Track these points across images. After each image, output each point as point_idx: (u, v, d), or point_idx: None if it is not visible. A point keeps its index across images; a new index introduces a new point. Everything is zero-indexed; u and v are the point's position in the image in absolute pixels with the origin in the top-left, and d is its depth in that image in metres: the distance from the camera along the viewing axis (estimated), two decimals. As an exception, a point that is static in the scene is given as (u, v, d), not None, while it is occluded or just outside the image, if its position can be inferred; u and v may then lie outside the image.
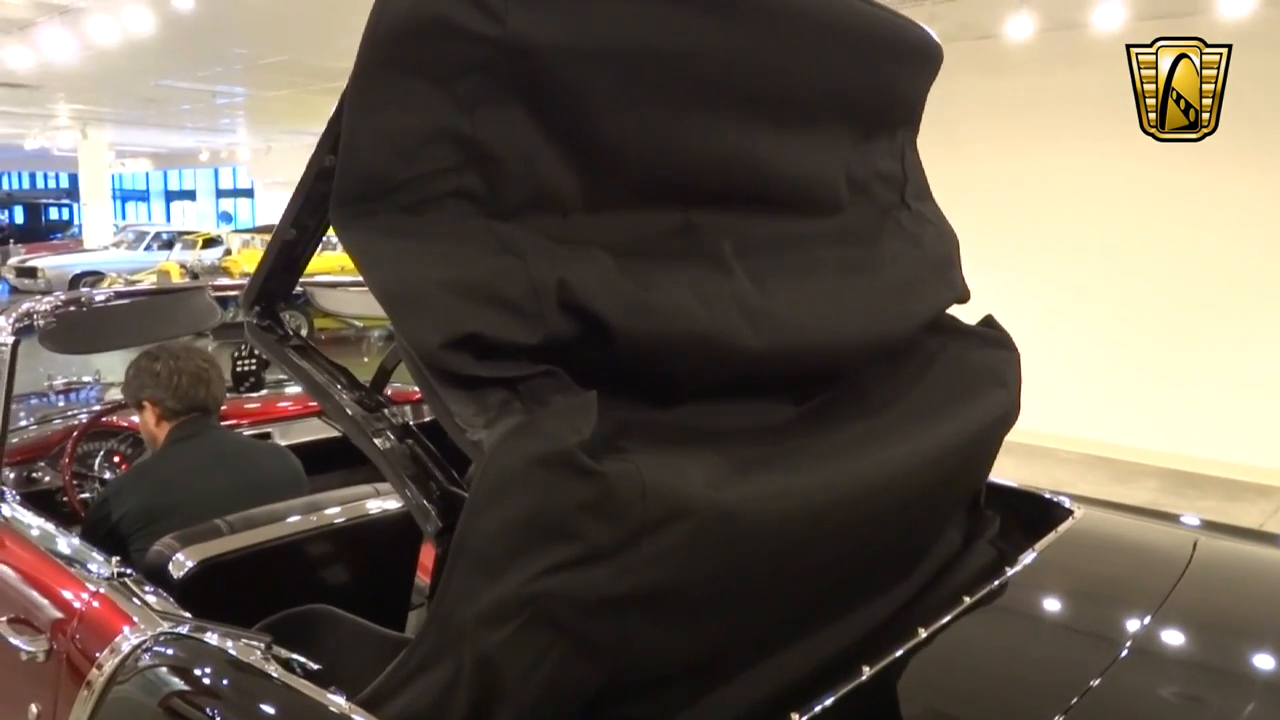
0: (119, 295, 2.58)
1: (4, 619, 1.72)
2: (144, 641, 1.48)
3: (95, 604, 1.62)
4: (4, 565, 1.86)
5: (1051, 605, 1.68)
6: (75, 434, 2.58)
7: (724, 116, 1.27)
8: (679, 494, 1.03)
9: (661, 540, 1.01)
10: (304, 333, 2.14)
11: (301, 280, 2.77)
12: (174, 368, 2.21)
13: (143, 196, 31.25)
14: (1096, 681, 1.29)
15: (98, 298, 2.48)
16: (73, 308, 2.38)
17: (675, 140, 1.22)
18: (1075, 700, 1.24)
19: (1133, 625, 1.51)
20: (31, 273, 16.43)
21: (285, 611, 1.67)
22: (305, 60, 9.27)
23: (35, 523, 1.95)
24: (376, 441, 1.24)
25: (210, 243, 16.31)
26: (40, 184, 33.07)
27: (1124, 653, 1.41)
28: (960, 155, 7.35)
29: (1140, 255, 6.68)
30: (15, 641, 1.64)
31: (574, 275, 1.07)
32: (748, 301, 1.24)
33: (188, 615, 1.52)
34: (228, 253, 15.02)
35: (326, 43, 7.75)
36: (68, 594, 1.69)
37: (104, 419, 2.72)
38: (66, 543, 1.86)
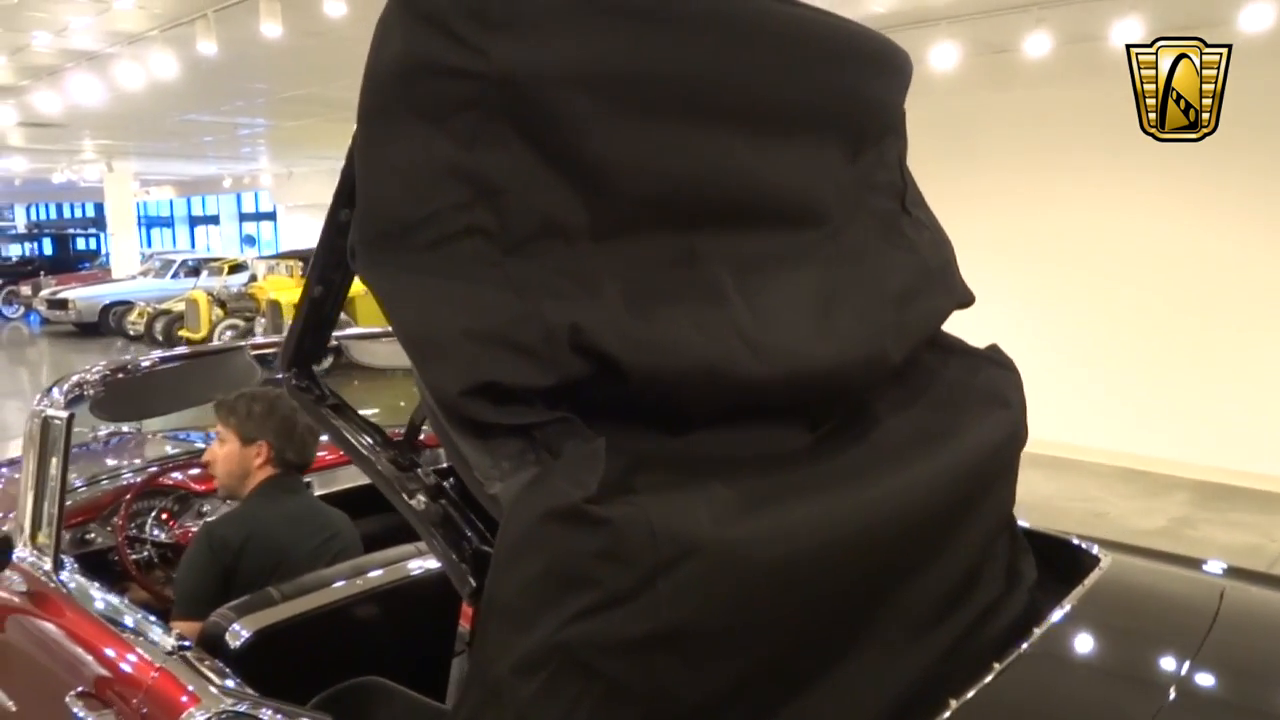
0: (163, 360, 2.64)
1: (73, 693, 1.80)
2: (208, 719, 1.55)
3: (159, 678, 1.69)
4: (70, 638, 1.94)
5: (1084, 669, 1.68)
6: (129, 496, 2.66)
7: (710, 133, 1.29)
8: (686, 534, 1.08)
9: (675, 579, 1.06)
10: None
11: (337, 336, 2.86)
12: (293, 418, 2.29)
13: (167, 223, 31.64)
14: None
15: (143, 364, 2.56)
16: (120, 375, 2.46)
17: (666, 159, 1.25)
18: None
19: (1166, 680, 1.53)
20: (63, 304, 16.66)
21: (338, 686, 1.73)
22: (325, 93, 9.41)
23: (98, 594, 2.03)
24: (412, 503, 1.28)
25: (236, 269, 16.48)
26: (67, 214, 33.55)
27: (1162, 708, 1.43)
28: (984, 166, 7.38)
29: (1171, 266, 6.65)
30: (84, 716, 1.71)
31: (584, 318, 1.11)
32: (748, 330, 1.27)
33: (249, 692, 1.59)
34: (253, 279, 15.15)
35: (345, 75, 7.86)
36: (131, 668, 1.76)
37: (157, 480, 2.80)
38: (129, 614, 1.94)
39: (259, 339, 2.77)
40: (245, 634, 1.84)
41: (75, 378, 2.37)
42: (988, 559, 1.72)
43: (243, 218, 27.05)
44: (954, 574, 1.60)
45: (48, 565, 2.11)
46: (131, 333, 15.49)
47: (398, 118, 1.09)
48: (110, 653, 1.83)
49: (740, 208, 1.36)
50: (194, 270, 17.10)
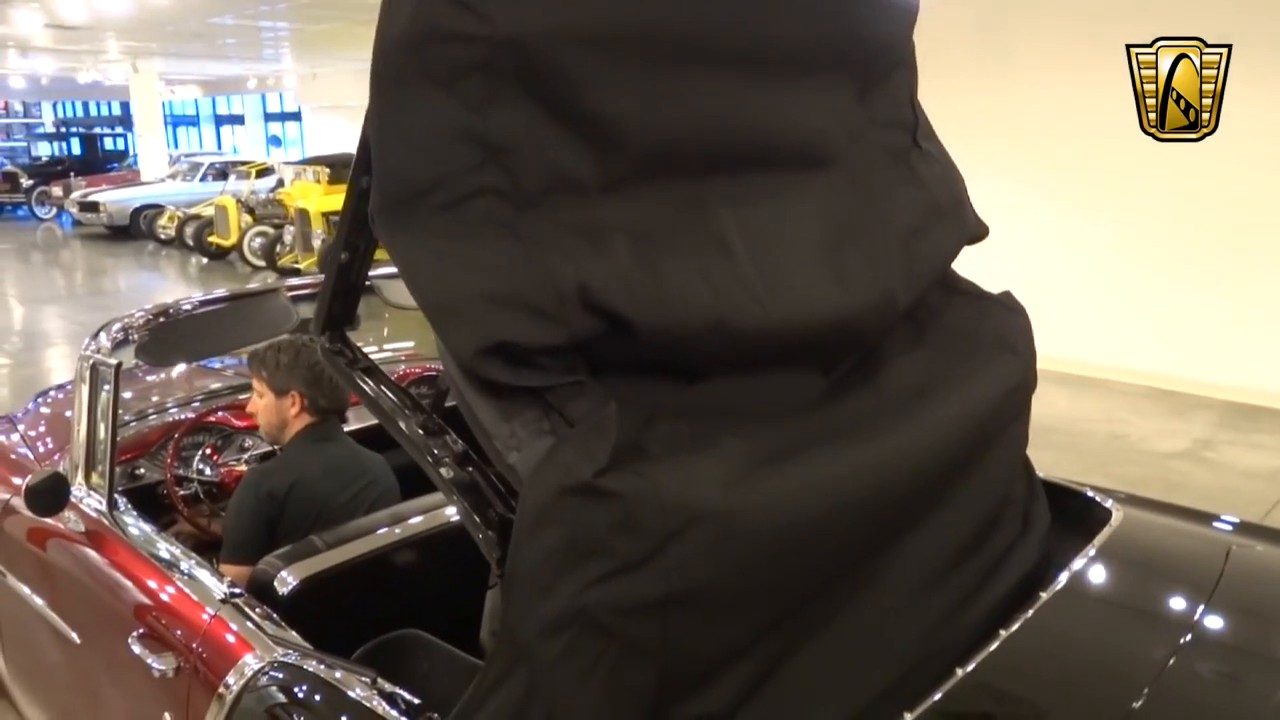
0: (203, 303, 2.70)
1: (135, 634, 1.93)
2: (263, 667, 1.67)
3: (214, 624, 1.81)
4: (128, 578, 2.06)
5: (1094, 625, 1.70)
6: (177, 435, 2.77)
7: (713, 79, 1.31)
8: (694, 503, 1.14)
9: (685, 545, 1.12)
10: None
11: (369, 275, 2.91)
12: (321, 371, 2.36)
13: (193, 121, 31.47)
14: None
15: (185, 307, 2.63)
16: (163, 319, 2.54)
17: (671, 108, 1.27)
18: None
19: (1172, 637, 1.57)
20: (94, 207, 16.77)
21: (379, 639, 1.84)
22: (349, -4, 9.28)
23: (153, 535, 2.15)
24: (441, 470, 1.35)
25: (263, 173, 16.47)
26: (94, 112, 33.46)
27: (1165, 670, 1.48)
28: (1019, 79, 7.19)
29: (1203, 185, 6.51)
30: (149, 659, 1.84)
31: (593, 276, 1.15)
32: (757, 279, 1.30)
33: (301, 642, 1.70)
34: (280, 183, 15.16)
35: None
36: (188, 613, 1.88)
37: (208, 418, 2.91)
38: (183, 558, 2.05)
39: (294, 281, 2.84)
40: (292, 581, 1.95)
41: (120, 322, 2.45)
42: (1005, 504, 1.75)
43: (268, 118, 26.83)
44: (969, 520, 1.63)
45: (104, 505, 2.23)
46: (162, 237, 15.63)
47: (409, 85, 1.13)
48: (167, 597, 1.95)
49: (747, 153, 1.38)
50: (221, 173, 17.10)
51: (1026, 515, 1.81)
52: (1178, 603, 1.74)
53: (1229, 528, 2.03)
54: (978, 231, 1.75)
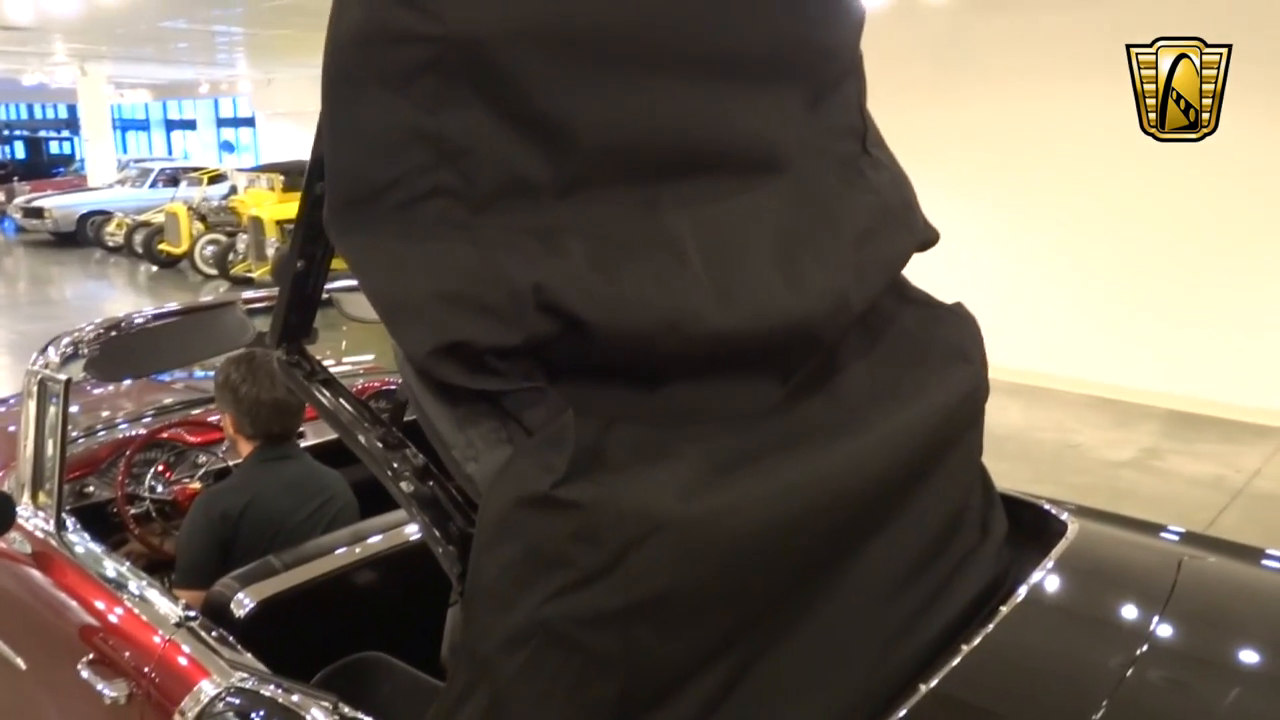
0: (156, 317, 2.65)
1: (86, 659, 1.88)
2: (220, 693, 1.63)
3: (168, 648, 1.77)
4: (77, 601, 2.01)
5: (1054, 637, 1.72)
6: (129, 452, 2.70)
7: (664, 82, 1.32)
8: (652, 511, 1.14)
9: (645, 554, 1.12)
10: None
11: (328, 289, 2.88)
12: (255, 397, 2.31)
13: (143, 126, 30.90)
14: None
15: (137, 320, 2.58)
16: (114, 333, 2.49)
17: (623, 111, 1.27)
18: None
19: (1130, 647, 1.60)
20: (38, 213, 16.41)
21: (340, 662, 1.81)
22: (304, 3, 9.17)
23: (103, 556, 2.10)
24: (401, 484, 1.32)
25: (215, 179, 16.22)
26: (39, 114, 32.74)
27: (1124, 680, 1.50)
28: (970, 94, 7.31)
29: (1147, 197, 6.67)
30: (99, 686, 1.80)
31: (547, 277, 1.15)
32: (712, 282, 1.30)
33: (257, 666, 1.67)
34: (233, 190, 14.93)
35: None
36: (141, 637, 1.84)
37: (161, 434, 2.85)
38: (134, 579, 2.01)
39: (250, 293, 2.79)
40: (249, 603, 1.91)
41: (70, 337, 2.39)
42: (963, 511, 1.76)
43: (221, 123, 26.45)
44: (928, 527, 1.65)
45: (51, 525, 2.17)
46: (110, 244, 15.32)
47: (360, 85, 1.12)
48: (118, 620, 1.91)
49: (700, 158, 1.39)
50: (172, 180, 16.82)
51: (984, 522, 1.83)
52: (1133, 614, 1.77)
53: (1180, 539, 2.07)
54: (928, 236, 1.77)
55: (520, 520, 1.10)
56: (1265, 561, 1.98)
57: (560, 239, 1.20)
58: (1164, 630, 1.64)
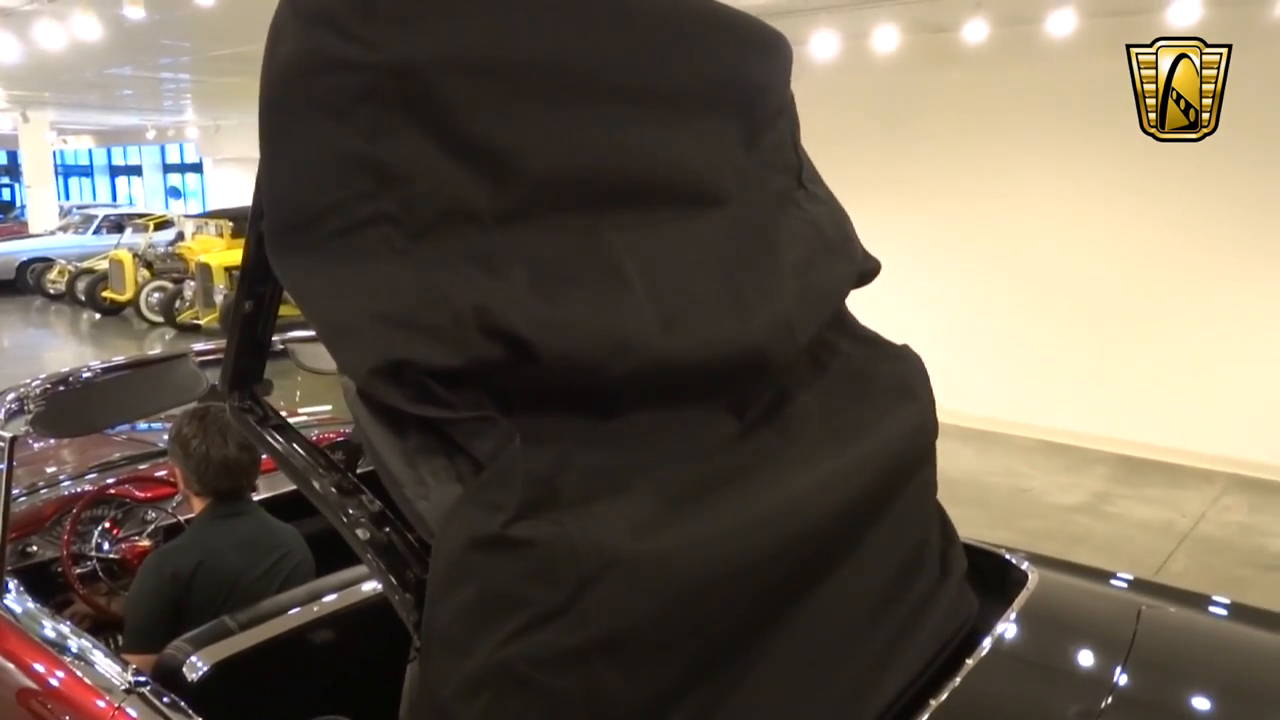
0: (105, 370, 2.59)
1: (26, 731, 1.80)
2: (172, 765, 1.57)
3: (118, 718, 1.70)
4: (20, 669, 1.93)
5: (1020, 688, 1.73)
6: (75, 510, 2.62)
7: (601, 115, 1.34)
8: (605, 548, 1.12)
9: (600, 591, 1.10)
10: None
11: (284, 338, 2.83)
12: (204, 454, 2.25)
13: (86, 172, 30.42)
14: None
15: (85, 375, 2.51)
16: (61, 388, 2.42)
17: (561, 142, 1.29)
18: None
19: (1096, 695, 1.62)
20: (-24, 260, 16.04)
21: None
22: (254, 51, 9.11)
23: (46, 621, 2.02)
24: (357, 531, 1.30)
25: (162, 225, 15.97)
26: (-23, 161, 32.08)
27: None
28: (917, 145, 7.49)
29: (1098, 249, 6.87)
30: (41, 759, 1.72)
31: (490, 300, 1.15)
32: (655, 308, 1.31)
33: (211, 734, 1.61)
34: (180, 237, 14.71)
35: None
36: (89, 705, 1.76)
37: (109, 490, 2.77)
38: (79, 643, 1.93)
39: (202, 345, 2.73)
40: (203, 667, 1.85)
41: (14, 393, 2.33)
42: (922, 548, 1.79)
43: (167, 169, 26.14)
44: (888, 565, 1.66)
45: (-9, 589, 2.09)
46: (52, 291, 14.98)
47: (297, 113, 1.13)
48: (64, 688, 1.83)
49: (639, 188, 1.41)
50: (117, 226, 16.52)
51: (944, 559, 1.85)
52: (1096, 665, 1.78)
53: (1139, 589, 2.11)
54: (868, 266, 1.81)
55: (473, 562, 1.08)
56: (1216, 609, 2.03)
57: (501, 265, 1.20)
58: (1126, 680, 1.66)
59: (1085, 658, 1.83)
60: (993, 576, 2.02)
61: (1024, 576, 1.98)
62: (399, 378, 1.10)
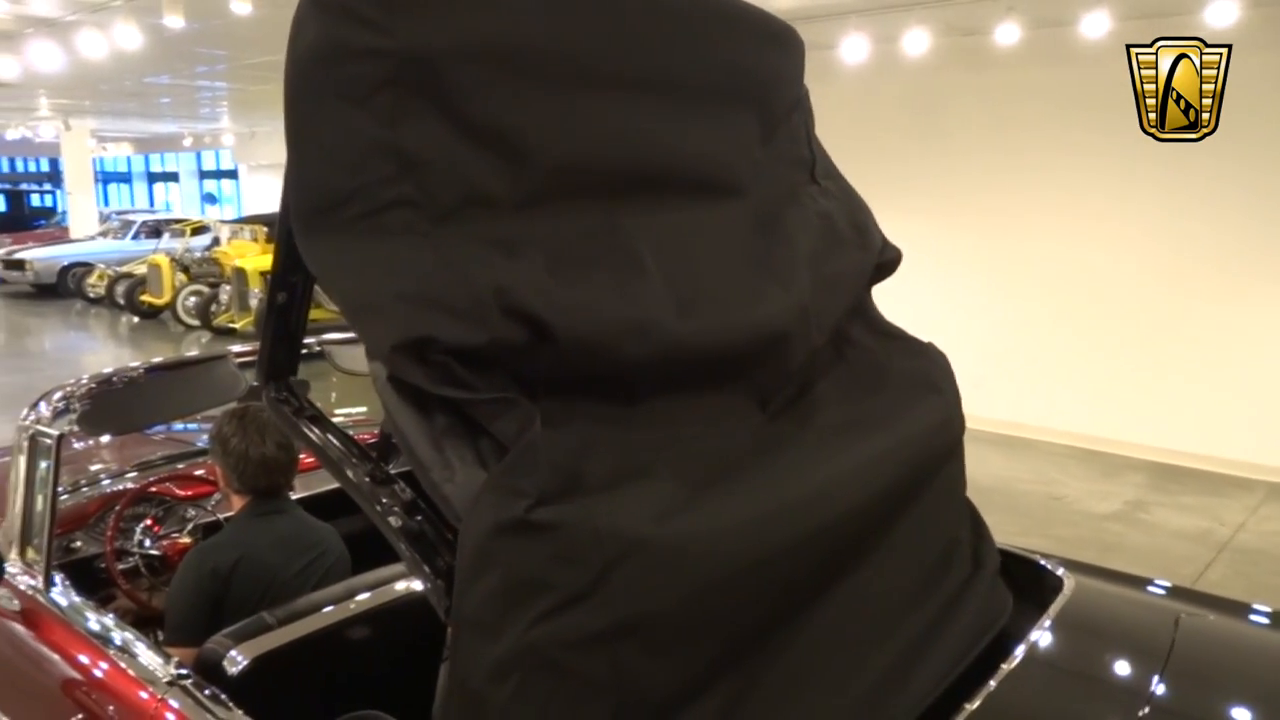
0: (148, 370, 2.64)
1: (75, 719, 1.84)
2: (215, 756, 1.60)
3: (161, 708, 1.74)
4: (66, 661, 1.97)
5: (1056, 695, 1.72)
6: (118, 508, 2.67)
7: (617, 103, 1.36)
8: (628, 533, 1.14)
9: (625, 574, 1.12)
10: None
11: (320, 340, 2.87)
12: (243, 452, 2.30)
13: (125, 178, 30.92)
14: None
15: (128, 375, 2.56)
16: (106, 387, 2.47)
17: (577, 128, 1.31)
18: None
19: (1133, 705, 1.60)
20: (19, 265, 16.30)
21: (340, 720, 1.78)
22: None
23: (92, 614, 2.06)
24: (389, 519, 1.32)
25: (198, 230, 16.20)
26: (20, 168, 32.69)
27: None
28: (952, 145, 7.44)
29: (1132, 253, 6.79)
30: (87, 749, 1.76)
31: (510, 281, 1.17)
32: (672, 293, 1.33)
33: (253, 726, 1.64)
34: (216, 242, 14.91)
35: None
36: (134, 697, 1.80)
37: (150, 488, 2.82)
38: (121, 637, 1.97)
39: (240, 347, 2.79)
40: (242, 661, 1.88)
41: (61, 391, 2.38)
42: (953, 545, 1.78)
43: (203, 175, 26.51)
44: (918, 560, 1.66)
45: (39, 583, 2.14)
46: (92, 295, 15.23)
47: (320, 101, 1.16)
48: (109, 680, 1.87)
49: (656, 177, 1.43)
50: (155, 231, 16.79)
51: (976, 554, 1.84)
52: (1134, 673, 1.76)
53: (1176, 596, 2.08)
54: (887, 256, 1.81)
55: (499, 547, 1.10)
56: (1256, 617, 2.00)
57: (520, 249, 1.22)
58: (1164, 690, 1.64)
59: (1122, 666, 1.82)
60: (1028, 582, 2.00)
61: (1059, 582, 1.97)
62: (422, 356, 1.12)
